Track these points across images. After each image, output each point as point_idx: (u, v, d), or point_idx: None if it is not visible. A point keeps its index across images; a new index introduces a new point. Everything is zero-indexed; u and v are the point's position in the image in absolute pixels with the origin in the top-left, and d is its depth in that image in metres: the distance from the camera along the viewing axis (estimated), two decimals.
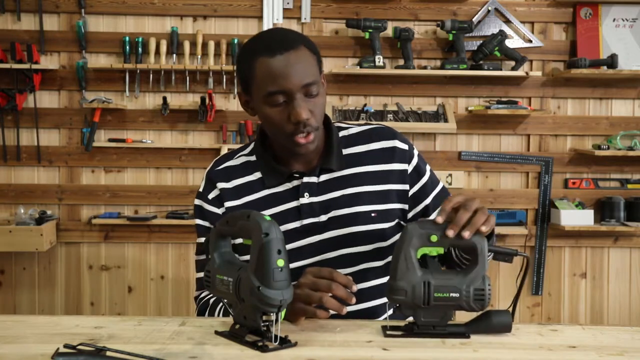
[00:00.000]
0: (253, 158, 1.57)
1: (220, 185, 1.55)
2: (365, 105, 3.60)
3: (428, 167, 1.60)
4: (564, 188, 3.73)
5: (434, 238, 1.23)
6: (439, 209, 1.27)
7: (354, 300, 1.30)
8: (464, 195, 1.29)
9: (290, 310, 1.30)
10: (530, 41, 3.66)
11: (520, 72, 3.57)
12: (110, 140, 3.60)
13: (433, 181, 1.58)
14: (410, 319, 1.26)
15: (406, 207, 1.55)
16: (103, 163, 3.65)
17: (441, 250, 1.25)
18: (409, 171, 1.55)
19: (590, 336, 1.27)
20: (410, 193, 1.55)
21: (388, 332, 1.24)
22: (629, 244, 3.75)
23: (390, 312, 1.25)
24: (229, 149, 3.55)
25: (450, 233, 1.21)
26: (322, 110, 1.47)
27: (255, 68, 1.42)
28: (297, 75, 1.40)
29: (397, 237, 1.54)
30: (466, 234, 1.21)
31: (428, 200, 1.56)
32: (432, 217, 1.52)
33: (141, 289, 3.70)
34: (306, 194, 1.50)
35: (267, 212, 1.49)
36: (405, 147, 1.57)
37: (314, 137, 1.45)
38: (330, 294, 1.29)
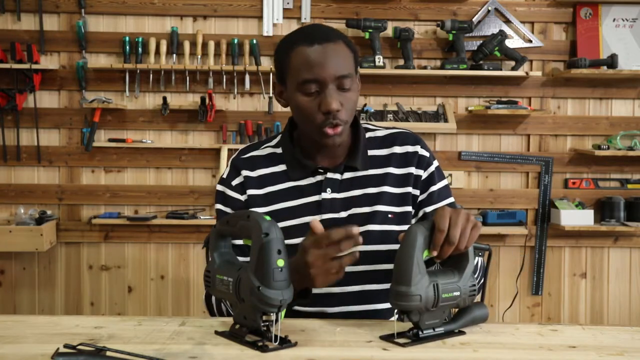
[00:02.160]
0: (279, 150, 1.59)
1: (245, 173, 1.57)
2: (365, 105, 3.60)
3: (444, 182, 1.61)
4: (564, 188, 3.73)
5: None
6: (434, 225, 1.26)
7: (360, 240, 1.30)
8: (449, 212, 1.27)
9: (311, 285, 1.32)
10: (530, 41, 3.66)
11: (520, 72, 3.57)
12: (110, 140, 3.60)
13: (441, 194, 1.58)
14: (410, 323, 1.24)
15: (413, 211, 1.58)
16: (103, 163, 3.65)
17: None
18: (423, 177, 1.57)
19: (590, 336, 1.27)
20: (419, 199, 1.57)
21: (396, 341, 1.21)
22: (629, 244, 3.75)
23: (395, 317, 1.24)
24: (229, 149, 3.56)
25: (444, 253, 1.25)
26: (353, 106, 1.49)
27: (292, 56, 1.46)
28: (332, 66, 1.43)
29: None
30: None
31: (429, 209, 1.57)
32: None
33: (141, 289, 3.70)
34: (328, 189, 1.53)
35: (288, 204, 1.52)
36: (426, 154, 1.60)
37: (341, 130, 1.47)
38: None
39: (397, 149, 1.58)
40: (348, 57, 1.47)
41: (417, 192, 1.57)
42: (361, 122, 1.61)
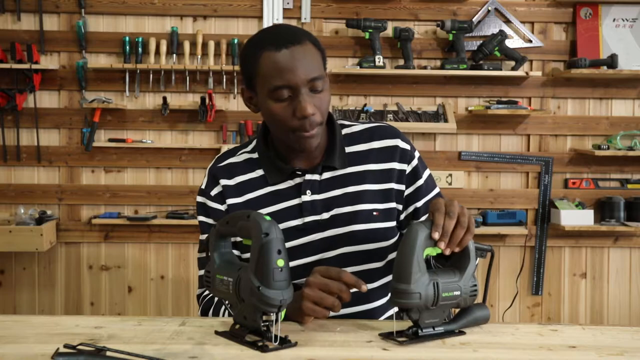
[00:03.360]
0: (255, 155, 1.55)
1: (223, 182, 1.53)
2: (365, 105, 3.60)
3: (427, 172, 1.58)
4: (564, 188, 3.73)
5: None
6: (429, 217, 1.25)
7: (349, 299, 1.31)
8: (444, 200, 1.27)
9: (299, 310, 1.30)
10: (530, 41, 3.66)
11: (520, 72, 3.57)
12: (110, 140, 3.60)
13: (428, 185, 1.56)
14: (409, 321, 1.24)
15: (400, 207, 1.54)
16: (103, 163, 3.65)
17: (440, 250, 1.24)
18: (407, 172, 1.54)
19: (590, 336, 1.27)
20: (405, 194, 1.54)
21: (395, 339, 1.21)
22: (629, 244, 3.75)
23: (390, 313, 1.24)
24: (229, 149, 3.55)
25: (447, 252, 1.23)
26: (326, 107, 1.45)
27: (260, 62, 1.41)
28: (303, 70, 1.38)
29: (397, 237, 1.54)
30: (457, 249, 1.24)
31: (419, 204, 1.54)
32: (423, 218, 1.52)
33: (141, 289, 3.70)
34: (308, 191, 1.49)
35: (269, 210, 1.49)
36: (407, 147, 1.56)
37: (317, 132, 1.43)
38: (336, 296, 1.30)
39: (376, 144, 1.54)
40: (317, 58, 1.43)
41: (402, 187, 1.53)
42: (336, 119, 1.57)
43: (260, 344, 1.16)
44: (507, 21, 3.66)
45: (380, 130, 1.57)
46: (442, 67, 3.57)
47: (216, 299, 1.50)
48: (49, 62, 3.60)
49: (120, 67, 3.52)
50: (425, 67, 3.61)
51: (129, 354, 1.07)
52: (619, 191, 3.72)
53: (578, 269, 3.77)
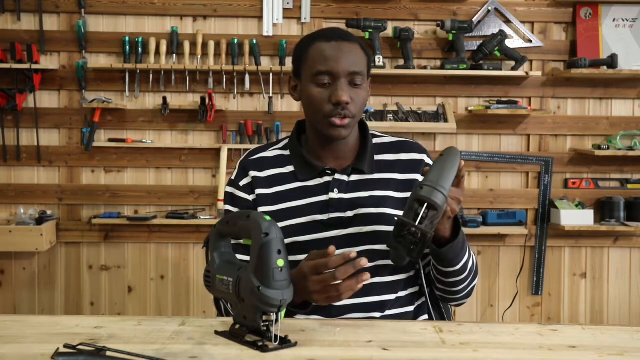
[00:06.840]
0: (286, 152, 1.65)
1: (253, 173, 1.62)
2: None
3: None
4: (564, 188, 3.73)
5: None
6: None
7: (365, 263, 1.34)
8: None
9: (317, 303, 1.39)
10: (530, 41, 3.66)
11: (520, 72, 3.57)
12: (110, 140, 3.60)
13: None
14: None
15: None
16: (103, 163, 3.65)
17: None
18: None
19: (590, 336, 1.27)
20: None
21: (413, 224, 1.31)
22: (629, 244, 3.75)
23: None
24: (229, 149, 3.56)
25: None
26: (361, 104, 1.56)
27: (309, 51, 1.55)
28: (346, 62, 1.52)
29: None
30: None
31: None
32: None
33: (141, 289, 3.70)
34: (336, 189, 1.58)
35: (296, 203, 1.57)
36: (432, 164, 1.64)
37: (348, 123, 1.53)
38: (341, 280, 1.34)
39: (404, 156, 1.65)
40: (361, 58, 1.56)
41: None
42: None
43: (260, 344, 1.17)
44: (507, 21, 3.66)
45: (410, 145, 1.69)
46: (442, 67, 3.57)
47: None
48: (49, 62, 3.60)
49: (120, 67, 3.52)
50: (425, 67, 3.61)
51: (129, 354, 1.07)
52: (619, 191, 3.72)
53: (578, 269, 3.77)
